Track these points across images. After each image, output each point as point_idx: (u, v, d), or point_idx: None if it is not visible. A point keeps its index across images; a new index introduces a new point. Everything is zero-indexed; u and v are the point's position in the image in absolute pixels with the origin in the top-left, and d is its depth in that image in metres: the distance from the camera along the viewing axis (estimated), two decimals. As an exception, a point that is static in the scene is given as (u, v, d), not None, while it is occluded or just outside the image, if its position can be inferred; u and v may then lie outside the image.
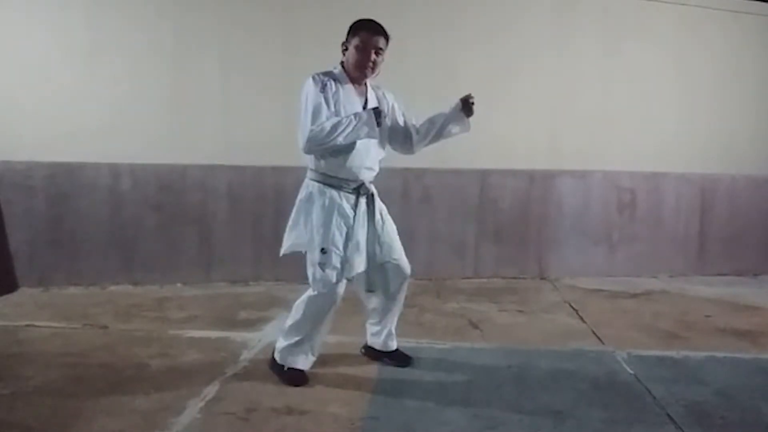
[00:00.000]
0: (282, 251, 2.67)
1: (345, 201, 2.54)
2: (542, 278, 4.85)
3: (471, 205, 4.73)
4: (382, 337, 2.87)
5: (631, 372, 2.82)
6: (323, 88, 2.45)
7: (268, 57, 4.44)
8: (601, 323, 3.61)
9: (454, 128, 2.70)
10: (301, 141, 2.46)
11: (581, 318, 3.74)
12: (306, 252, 2.59)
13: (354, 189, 2.56)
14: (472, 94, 2.65)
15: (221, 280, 4.43)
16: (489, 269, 4.80)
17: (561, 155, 4.88)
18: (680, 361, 2.98)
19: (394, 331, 2.90)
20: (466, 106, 2.65)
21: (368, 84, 2.65)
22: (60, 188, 4.21)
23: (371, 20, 2.55)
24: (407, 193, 4.64)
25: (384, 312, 2.83)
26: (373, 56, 2.51)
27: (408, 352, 2.92)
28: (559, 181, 4.90)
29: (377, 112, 2.47)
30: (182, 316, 3.58)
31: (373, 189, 2.65)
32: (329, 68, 2.60)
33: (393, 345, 2.90)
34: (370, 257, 2.61)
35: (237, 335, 3.23)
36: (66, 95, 4.19)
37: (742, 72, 5.16)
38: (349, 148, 2.49)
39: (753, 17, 5.14)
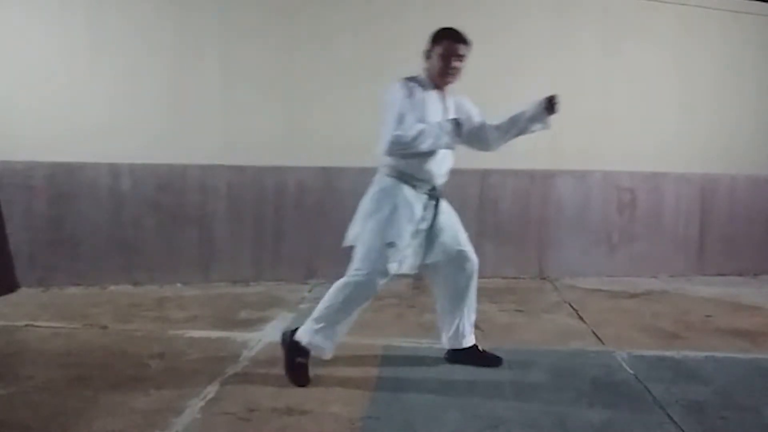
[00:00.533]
0: (348, 242, 2.69)
1: (417, 201, 2.61)
2: (542, 278, 4.85)
3: (471, 205, 4.73)
4: (450, 332, 2.86)
5: (631, 372, 2.82)
6: (410, 94, 2.53)
7: (268, 57, 4.44)
8: (601, 323, 3.61)
9: (536, 126, 2.83)
10: (383, 144, 2.51)
11: (581, 318, 3.74)
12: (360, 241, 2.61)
13: (427, 191, 2.64)
14: (557, 95, 2.79)
15: (221, 280, 4.43)
16: (489, 269, 4.78)
17: (561, 155, 4.88)
18: (680, 361, 2.98)
19: (465, 328, 2.88)
20: (550, 105, 2.78)
21: (449, 90, 2.74)
22: (60, 188, 4.21)
23: (453, 29, 2.66)
24: (407, 193, 4.63)
25: (453, 309, 2.86)
26: (456, 63, 2.61)
27: (497, 354, 2.92)
28: (559, 181, 4.90)
29: (458, 122, 2.57)
30: (182, 316, 3.58)
31: (442, 193, 2.73)
32: (413, 75, 2.67)
33: (465, 342, 2.88)
34: (428, 256, 2.69)
35: (237, 335, 3.22)
36: (66, 95, 4.19)
37: (742, 72, 5.16)
38: (430, 152, 2.57)
39: (753, 17, 5.14)
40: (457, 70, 2.62)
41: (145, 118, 4.30)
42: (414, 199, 2.60)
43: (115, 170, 4.27)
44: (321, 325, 2.60)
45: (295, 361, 2.62)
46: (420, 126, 2.49)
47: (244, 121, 4.43)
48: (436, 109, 2.63)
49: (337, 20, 4.52)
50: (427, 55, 2.66)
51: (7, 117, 4.11)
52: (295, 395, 2.46)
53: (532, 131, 2.85)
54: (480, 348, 2.92)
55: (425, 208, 2.63)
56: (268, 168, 4.47)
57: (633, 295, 4.36)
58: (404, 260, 2.62)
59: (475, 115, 2.87)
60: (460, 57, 2.62)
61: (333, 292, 2.61)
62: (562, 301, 4.15)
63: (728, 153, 5.17)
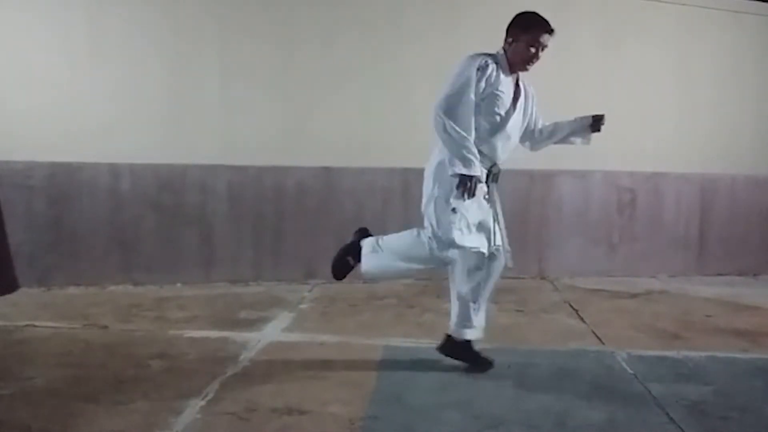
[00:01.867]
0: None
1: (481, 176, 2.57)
2: (542, 278, 4.85)
3: (471, 205, 4.73)
4: (456, 320, 2.80)
5: (631, 372, 2.82)
6: (482, 69, 2.49)
7: (268, 57, 4.44)
8: (601, 323, 3.61)
9: (577, 139, 2.89)
10: (438, 104, 2.49)
11: (581, 318, 3.74)
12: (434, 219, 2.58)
13: (489, 167, 2.63)
14: (605, 115, 2.79)
15: (221, 280, 4.43)
16: (489, 269, 4.79)
17: (561, 155, 4.85)
18: (680, 361, 2.98)
19: (473, 319, 2.79)
20: (596, 124, 2.79)
21: (521, 76, 2.72)
22: (60, 188, 4.21)
23: (542, 17, 2.65)
24: (408, 193, 4.62)
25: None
26: (540, 53, 2.60)
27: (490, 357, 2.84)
28: (559, 181, 4.90)
29: (477, 180, 2.51)
30: (182, 316, 3.58)
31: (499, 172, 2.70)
32: (491, 51, 2.62)
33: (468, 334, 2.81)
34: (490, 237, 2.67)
35: (237, 335, 3.22)
36: (66, 95, 4.19)
37: (742, 72, 5.16)
38: (498, 127, 2.57)
39: (753, 17, 5.14)
40: (537, 59, 2.62)
41: (145, 118, 4.30)
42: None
43: (115, 170, 4.27)
44: (379, 252, 2.66)
45: (345, 258, 2.77)
46: (464, 137, 2.46)
47: (244, 121, 4.43)
48: (508, 89, 2.60)
49: (338, 20, 4.52)
50: (514, 38, 2.60)
51: (7, 117, 4.11)
52: (295, 395, 2.46)
53: (572, 143, 2.91)
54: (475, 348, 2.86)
55: (487, 184, 2.63)
56: (268, 168, 4.47)
57: (633, 295, 4.36)
58: (476, 235, 2.60)
59: (535, 110, 2.85)
60: (545, 47, 2.63)
61: (407, 238, 2.64)
62: (562, 301, 4.15)
63: (728, 153, 5.17)
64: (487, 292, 2.81)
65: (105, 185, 4.27)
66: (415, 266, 2.69)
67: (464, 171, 2.46)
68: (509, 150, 2.72)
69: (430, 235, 2.58)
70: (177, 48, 4.33)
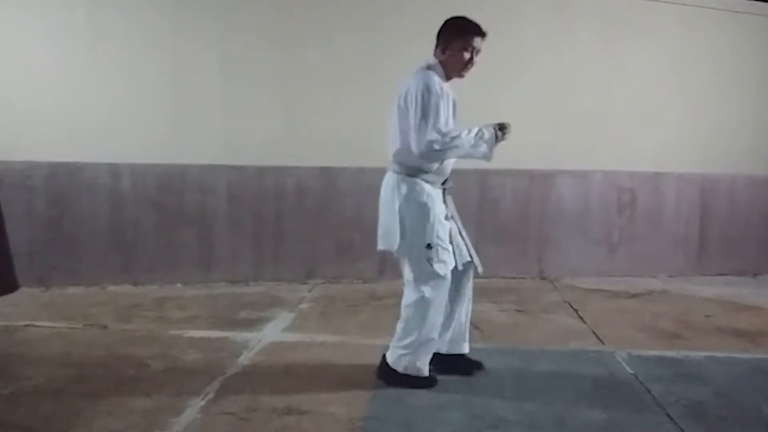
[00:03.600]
0: (380, 247, 2.61)
1: (437, 196, 2.54)
2: (542, 278, 4.85)
3: (471, 205, 4.73)
4: (449, 336, 2.71)
5: (631, 372, 2.82)
6: (441, 92, 2.40)
7: (268, 57, 4.44)
8: (601, 323, 3.61)
9: (479, 152, 2.58)
10: (418, 144, 2.38)
11: (581, 318, 3.74)
12: (401, 253, 2.51)
13: (442, 184, 2.58)
14: (508, 126, 2.62)
15: (221, 280, 4.43)
16: (489, 269, 4.77)
17: (561, 155, 4.88)
18: (680, 361, 2.98)
19: (465, 332, 2.75)
20: (501, 132, 2.60)
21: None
22: (60, 188, 4.22)
23: (473, 21, 2.55)
24: (407, 193, 4.63)
25: (453, 313, 2.71)
26: (474, 60, 2.51)
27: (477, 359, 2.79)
28: (559, 181, 4.90)
29: (502, 126, 2.48)
30: (182, 316, 3.58)
31: (450, 186, 2.64)
32: (427, 63, 2.55)
33: (464, 348, 2.75)
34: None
35: (237, 335, 3.22)
36: (66, 95, 4.20)
37: (742, 72, 5.16)
38: None
39: (753, 17, 5.14)
40: (472, 66, 2.54)
41: (145, 118, 4.30)
42: (435, 196, 2.53)
43: (115, 170, 4.27)
44: (410, 341, 2.51)
45: (410, 378, 2.55)
46: (455, 132, 2.39)
47: (244, 121, 4.43)
48: (449, 104, 2.50)
49: (338, 20, 4.52)
50: (446, 45, 2.52)
51: (7, 117, 4.11)
52: (295, 395, 2.46)
53: (474, 157, 2.57)
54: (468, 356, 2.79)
55: (444, 201, 2.57)
56: (268, 168, 4.47)
57: (633, 295, 4.36)
58: (459, 252, 2.54)
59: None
60: (479, 51, 2.53)
61: (411, 314, 2.50)
62: (562, 301, 4.15)
63: (728, 153, 5.17)
64: (469, 304, 2.76)
65: (105, 185, 4.27)
66: (446, 304, 2.58)
67: (487, 136, 2.45)
68: (454, 160, 2.60)
69: (418, 280, 2.48)
70: (177, 48, 4.33)
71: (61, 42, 4.18)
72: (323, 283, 4.51)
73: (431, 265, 2.45)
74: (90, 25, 4.21)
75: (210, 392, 2.48)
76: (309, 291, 4.29)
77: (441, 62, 2.55)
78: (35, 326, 3.32)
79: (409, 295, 2.53)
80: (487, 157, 2.56)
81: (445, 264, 2.50)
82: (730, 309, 4.04)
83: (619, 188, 5.01)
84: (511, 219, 4.83)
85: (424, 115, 2.37)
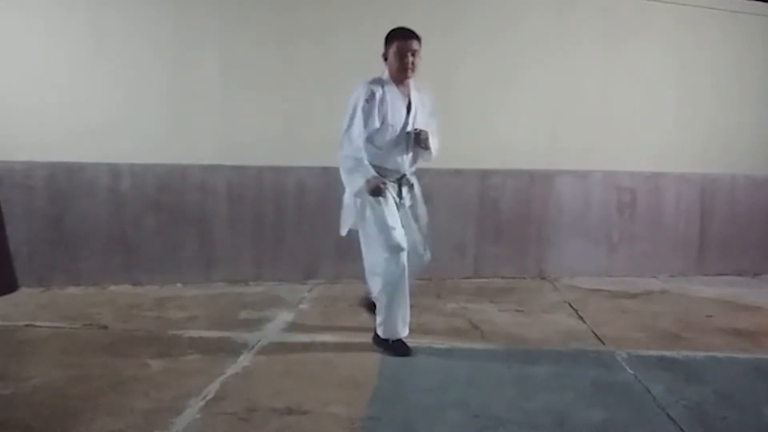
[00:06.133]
0: (343, 232, 3.07)
1: (391, 188, 2.92)
2: (542, 278, 4.85)
3: (471, 205, 4.73)
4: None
5: (631, 372, 2.82)
6: (371, 98, 2.83)
7: (268, 57, 4.44)
8: (601, 323, 3.61)
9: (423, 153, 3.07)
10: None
11: (581, 318, 3.74)
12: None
13: (395, 179, 2.96)
14: (419, 131, 2.94)
15: (221, 280, 4.43)
16: (489, 269, 4.80)
17: (561, 155, 4.88)
18: (680, 361, 2.98)
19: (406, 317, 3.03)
20: (417, 139, 2.95)
21: (411, 84, 2.97)
22: (60, 188, 4.21)
23: (403, 28, 2.92)
24: (407, 193, 4.63)
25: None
26: (410, 58, 2.84)
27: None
28: (559, 181, 4.90)
29: (378, 188, 2.81)
30: (182, 316, 3.58)
31: (413, 180, 3.05)
32: (378, 75, 2.95)
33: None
34: (412, 238, 2.98)
35: (237, 335, 3.22)
36: (66, 95, 4.19)
37: (742, 72, 5.16)
38: (388, 146, 2.89)
39: (753, 17, 5.14)
40: (412, 64, 2.85)
41: (145, 118, 4.30)
42: (390, 186, 2.92)
43: (115, 170, 4.27)
44: (381, 318, 2.94)
45: (389, 348, 2.94)
46: (355, 161, 2.80)
47: (244, 121, 4.42)
48: (398, 104, 2.90)
49: (338, 20, 4.52)
50: (385, 56, 2.92)
51: (7, 117, 4.11)
52: (295, 395, 2.46)
53: (424, 159, 3.07)
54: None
55: (398, 193, 2.94)
56: (268, 168, 4.47)
57: (633, 295, 4.36)
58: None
59: (430, 118, 3.03)
60: (414, 52, 2.85)
61: (377, 289, 2.92)
62: (562, 301, 4.15)
63: (728, 153, 5.17)
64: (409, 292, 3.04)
65: (105, 185, 4.27)
66: (402, 284, 2.93)
67: (363, 187, 2.84)
68: (408, 159, 2.99)
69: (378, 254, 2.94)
70: (177, 48, 4.33)
71: (61, 42, 4.18)
72: (323, 283, 4.51)
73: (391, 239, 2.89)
74: (90, 25, 4.21)
75: (210, 392, 2.48)
76: (309, 291, 4.29)
77: (388, 70, 2.94)
78: (35, 326, 3.32)
79: None
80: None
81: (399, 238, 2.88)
82: (730, 309, 4.04)
83: (619, 188, 5.01)
84: (511, 219, 4.83)
85: (346, 122, 2.85)
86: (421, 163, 3.13)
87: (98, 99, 4.22)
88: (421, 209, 3.11)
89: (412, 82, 2.96)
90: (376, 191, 2.80)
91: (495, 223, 4.81)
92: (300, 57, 4.47)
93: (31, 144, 4.14)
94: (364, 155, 2.82)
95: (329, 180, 4.55)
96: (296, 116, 4.49)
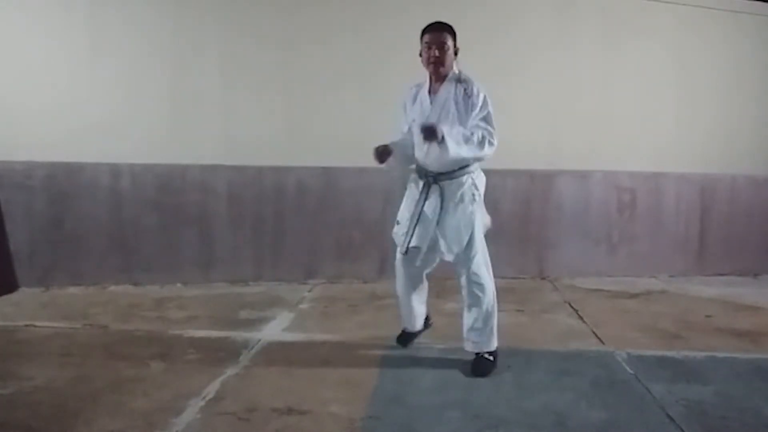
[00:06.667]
0: None
1: (416, 186, 2.90)
2: (542, 278, 4.85)
3: (471, 205, 4.73)
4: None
5: (631, 372, 2.82)
6: (408, 99, 2.91)
7: (268, 57, 4.44)
8: (601, 323, 3.61)
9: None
10: None
11: (581, 318, 3.74)
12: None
13: (424, 177, 2.86)
14: (426, 125, 2.84)
15: (221, 280, 4.43)
16: (489, 269, 4.79)
17: (561, 155, 4.88)
18: (680, 361, 2.98)
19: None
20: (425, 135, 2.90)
21: (452, 79, 2.78)
22: (60, 188, 4.22)
23: (434, 22, 2.81)
24: (407, 193, 4.63)
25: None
26: (436, 52, 2.72)
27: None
28: (559, 181, 4.90)
29: (379, 156, 2.80)
30: (182, 316, 3.58)
31: (443, 181, 2.81)
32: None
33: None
34: (426, 238, 2.82)
35: (237, 335, 3.22)
36: (66, 95, 4.19)
37: (742, 72, 5.16)
38: (417, 145, 2.84)
39: (753, 17, 5.14)
40: (438, 58, 2.72)
41: (145, 118, 4.30)
42: (415, 185, 2.90)
43: (115, 170, 4.27)
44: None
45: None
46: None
47: (244, 121, 4.43)
48: (425, 102, 2.82)
49: (338, 20, 4.52)
50: (420, 53, 2.81)
51: (7, 117, 4.11)
52: (295, 395, 2.46)
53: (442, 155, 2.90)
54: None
55: (426, 192, 2.81)
56: (268, 168, 4.47)
57: (633, 295, 4.36)
58: (410, 237, 2.82)
59: (471, 114, 2.71)
60: (441, 44, 2.73)
61: None
62: (562, 301, 4.15)
63: (728, 153, 5.17)
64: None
65: (105, 185, 4.27)
66: (404, 285, 3.00)
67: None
68: (433, 158, 2.75)
69: None
70: (177, 48, 4.33)
71: (61, 42, 4.18)
72: (323, 283, 4.51)
73: (395, 239, 2.93)
74: (90, 25, 4.21)
75: (210, 392, 2.48)
76: (309, 291, 4.29)
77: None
78: (35, 326, 3.32)
79: None
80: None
81: (401, 241, 2.85)
82: (730, 309, 4.04)
83: (619, 188, 5.01)
84: (511, 219, 4.83)
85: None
86: (471, 161, 2.80)
87: (98, 99, 4.23)
88: (459, 215, 2.79)
89: (453, 76, 2.76)
90: (378, 157, 2.79)
91: (495, 223, 4.77)
92: (300, 57, 4.48)
93: (31, 144, 4.14)
94: (394, 139, 2.90)
95: (329, 180, 4.57)
96: (296, 116, 4.49)
